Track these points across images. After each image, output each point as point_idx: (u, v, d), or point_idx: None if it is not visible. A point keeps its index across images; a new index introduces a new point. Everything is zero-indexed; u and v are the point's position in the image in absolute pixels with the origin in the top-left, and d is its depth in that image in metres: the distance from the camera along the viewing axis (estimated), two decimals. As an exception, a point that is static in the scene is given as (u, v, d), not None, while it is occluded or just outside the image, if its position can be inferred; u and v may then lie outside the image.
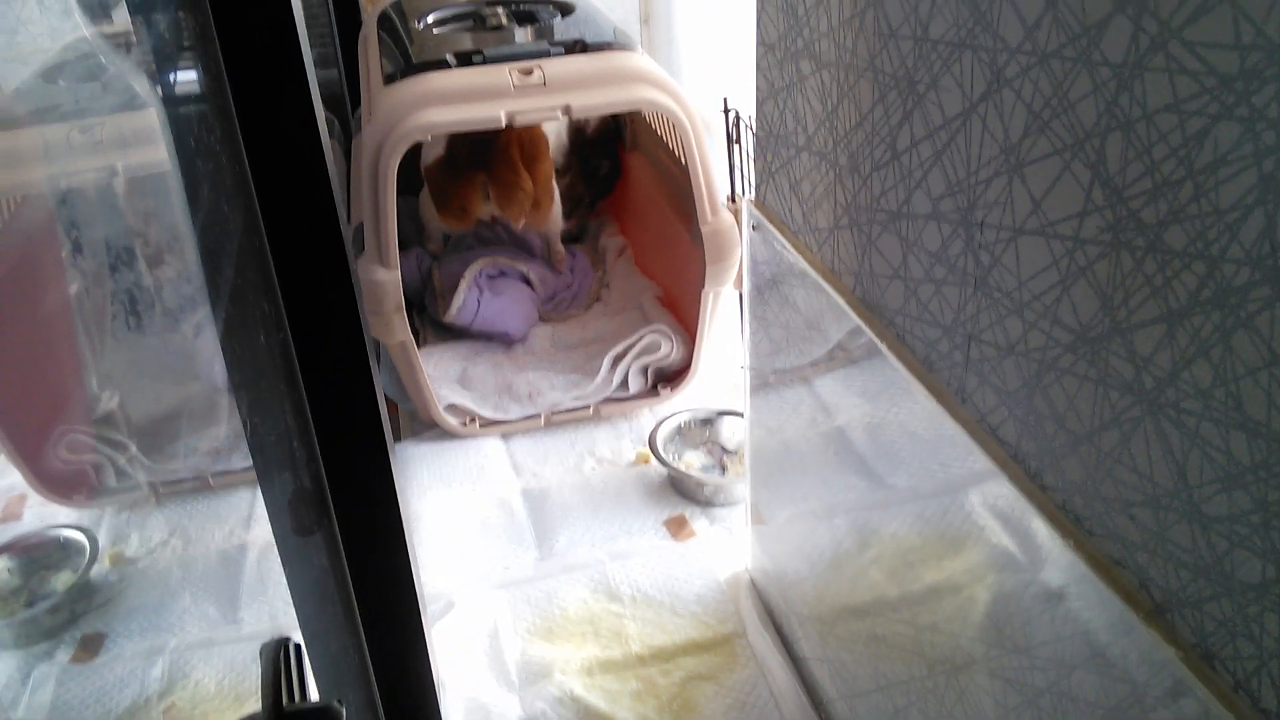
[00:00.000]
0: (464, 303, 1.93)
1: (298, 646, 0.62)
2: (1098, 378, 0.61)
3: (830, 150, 0.95)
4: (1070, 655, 0.66)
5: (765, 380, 1.23)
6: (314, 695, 0.71)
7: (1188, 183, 0.51)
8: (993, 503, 0.75)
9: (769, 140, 1.11)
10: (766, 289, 1.17)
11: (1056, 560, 0.66)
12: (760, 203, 1.16)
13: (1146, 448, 0.57)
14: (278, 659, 0.60)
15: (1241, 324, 0.49)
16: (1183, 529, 0.55)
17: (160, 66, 0.90)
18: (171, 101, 0.89)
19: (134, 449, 1.53)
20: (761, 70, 1.10)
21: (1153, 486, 0.57)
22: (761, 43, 1.08)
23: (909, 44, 0.77)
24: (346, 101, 2.52)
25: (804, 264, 1.03)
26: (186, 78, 0.88)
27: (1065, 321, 0.63)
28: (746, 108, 1.72)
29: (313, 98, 0.79)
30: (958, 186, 0.73)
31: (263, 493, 0.92)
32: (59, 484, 1.56)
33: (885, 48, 0.81)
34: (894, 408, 0.90)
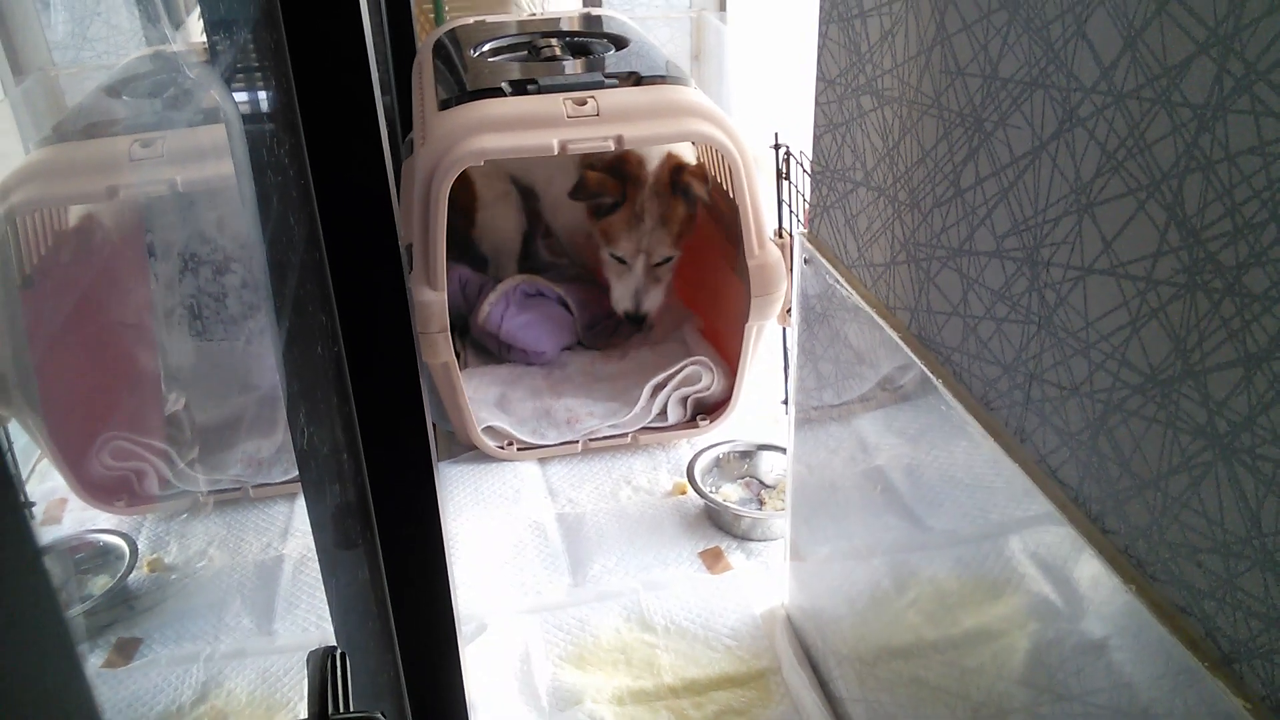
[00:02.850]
0: (490, 311, 1.96)
1: (343, 655, 0.62)
2: (1167, 420, 0.60)
3: (889, 186, 0.95)
4: (1128, 704, 0.65)
5: (810, 415, 1.23)
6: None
7: (1271, 225, 0.50)
8: (1049, 546, 0.73)
9: (825, 174, 1.11)
10: (816, 323, 1.16)
11: (1117, 606, 0.65)
12: (814, 236, 1.16)
13: (1218, 493, 0.56)
14: (325, 667, 0.60)
15: (1325, 370, 0.48)
16: (1254, 577, 0.54)
17: (233, 83, 0.92)
18: (242, 116, 0.91)
19: (177, 457, 1.54)
20: (820, 105, 1.10)
21: (1223, 533, 0.56)
22: (822, 78, 1.08)
23: (977, 82, 0.77)
24: (398, 126, 2.56)
25: (857, 298, 1.03)
26: (258, 95, 0.89)
27: (1134, 363, 0.62)
28: (796, 144, 1.73)
29: (379, 119, 0.80)
30: (1024, 225, 0.73)
31: (308, 504, 0.92)
32: (101, 490, 1.57)
33: (952, 85, 0.81)
34: (944, 448, 0.89)
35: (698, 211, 1.94)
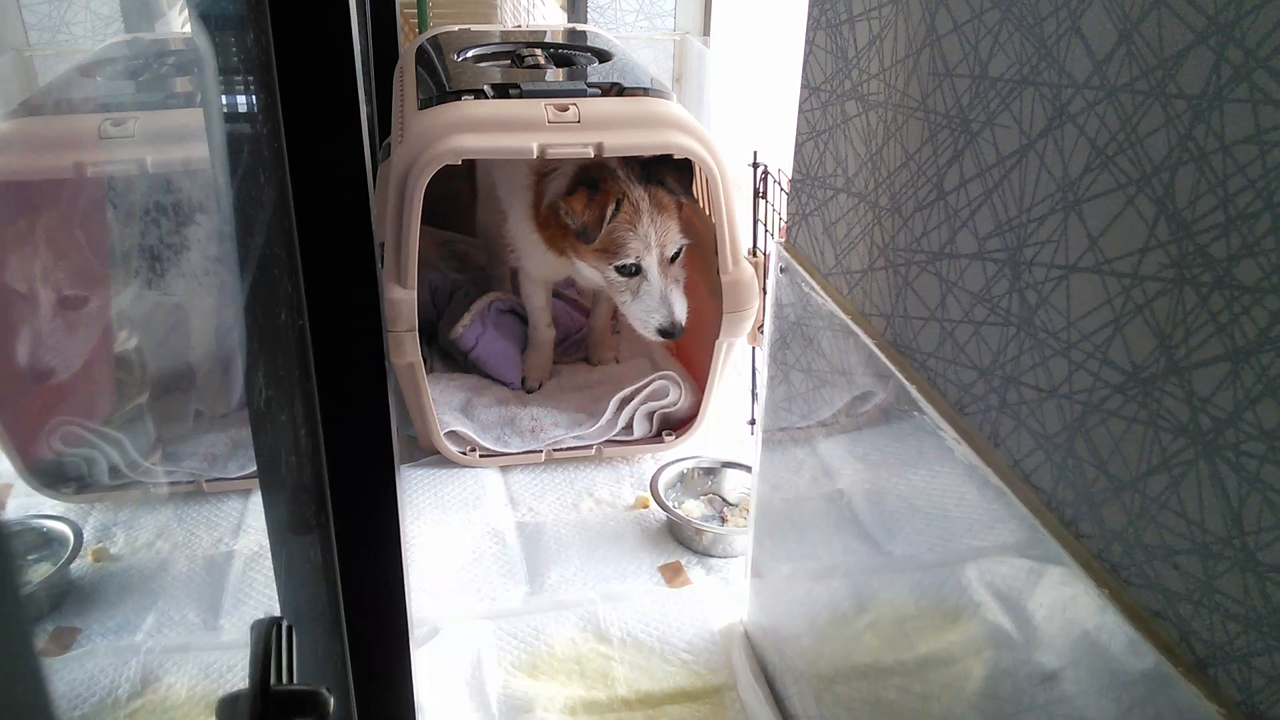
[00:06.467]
0: (464, 333, 1.92)
1: (289, 627, 0.60)
2: (1148, 419, 0.59)
3: (870, 191, 0.94)
4: (1101, 713, 0.63)
5: (778, 431, 1.21)
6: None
7: (1265, 215, 0.50)
8: (1020, 551, 0.72)
9: (805, 182, 1.10)
10: (789, 333, 1.15)
11: (1089, 611, 0.64)
12: (790, 245, 1.15)
13: (1198, 492, 0.55)
14: (269, 637, 0.57)
15: (1315, 361, 0.47)
16: (1234, 578, 0.53)
17: (221, 76, 0.89)
18: (217, 88, 0.88)
19: (129, 445, 1.50)
20: (803, 113, 1.09)
21: (1202, 533, 0.55)
22: (806, 85, 1.08)
23: (965, 82, 0.76)
24: (376, 130, 2.54)
25: (832, 306, 1.02)
26: (243, 84, 0.87)
27: (1116, 362, 0.61)
28: (774, 164, 1.73)
29: (356, 78, 0.78)
30: (1007, 225, 0.72)
31: (261, 480, 0.89)
32: (48, 475, 1.52)
33: (939, 87, 0.80)
34: (914, 462, 0.87)
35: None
